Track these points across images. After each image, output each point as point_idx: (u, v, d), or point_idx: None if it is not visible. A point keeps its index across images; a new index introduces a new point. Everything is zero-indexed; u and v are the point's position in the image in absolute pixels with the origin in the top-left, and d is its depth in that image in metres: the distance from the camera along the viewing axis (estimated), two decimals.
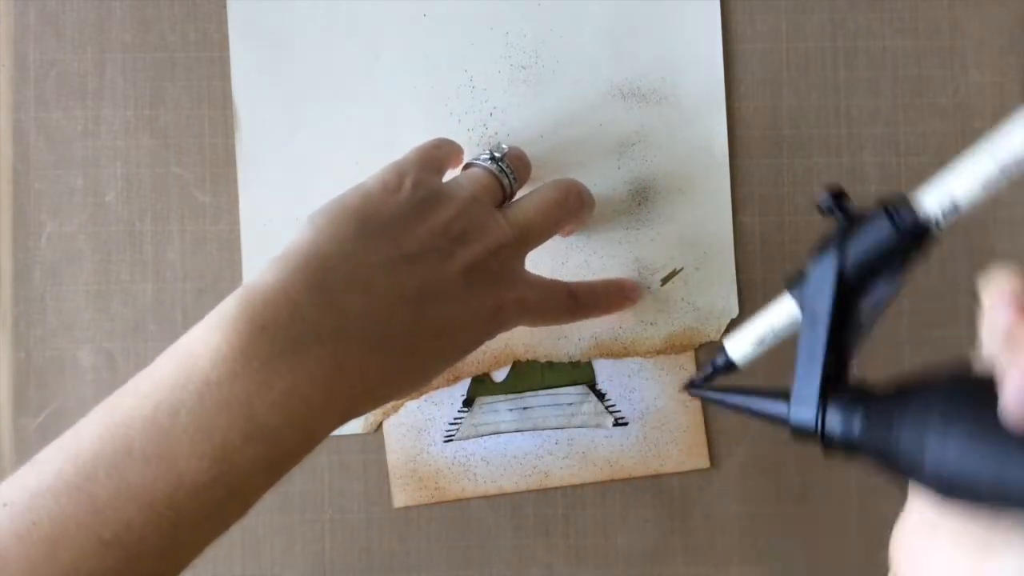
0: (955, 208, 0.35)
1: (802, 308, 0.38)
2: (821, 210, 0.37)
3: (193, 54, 0.54)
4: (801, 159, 0.55)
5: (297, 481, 0.53)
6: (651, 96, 0.54)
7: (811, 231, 0.55)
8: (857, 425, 0.34)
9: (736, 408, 0.40)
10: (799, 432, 0.36)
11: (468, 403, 0.54)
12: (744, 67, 0.55)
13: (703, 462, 0.54)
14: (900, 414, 0.32)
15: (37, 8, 0.54)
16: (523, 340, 0.54)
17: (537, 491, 0.54)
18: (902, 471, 0.32)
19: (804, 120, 0.55)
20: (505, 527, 0.54)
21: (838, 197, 0.37)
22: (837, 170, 0.55)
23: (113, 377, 0.53)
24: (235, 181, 0.54)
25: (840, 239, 0.37)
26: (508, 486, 0.54)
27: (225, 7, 0.54)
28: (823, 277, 0.37)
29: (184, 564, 0.38)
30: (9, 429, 0.53)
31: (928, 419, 0.31)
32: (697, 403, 0.54)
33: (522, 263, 0.46)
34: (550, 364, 0.54)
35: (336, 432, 0.53)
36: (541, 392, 0.54)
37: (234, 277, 0.54)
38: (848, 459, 0.35)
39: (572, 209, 0.49)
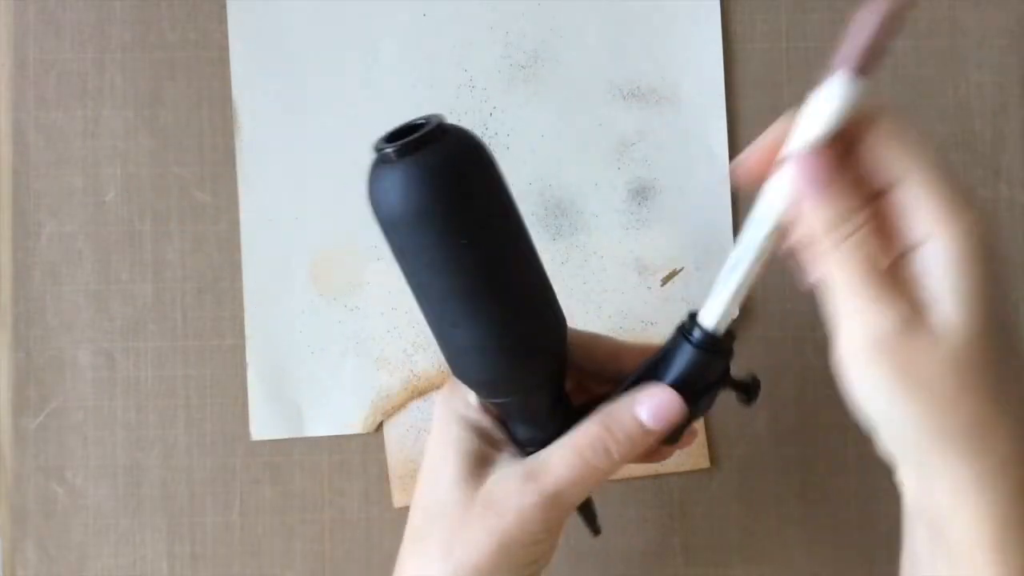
0: (727, 315, 0.38)
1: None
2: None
3: (193, 54, 0.54)
4: None
5: (297, 481, 0.53)
6: (651, 96, 0.54)
7: None
8: None
9: None
10: None
11: None
12: (744, 67, 0.55)
13: (703, 462, 0.54)
14: None
15: (37, 8, 0.54)
16: None
17: None
18: None
19: None
20: None
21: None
22: None
23: (113, 377, 0.53)
24: (235, 181, 0.54)
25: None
26: None
27: (225, 7, 0.54)
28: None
29: None
30: (9, 429, 0.53)
31: None
32: None
33: None
34: None
35: (336, 432, 0.53)
36: None
37: (234, 277, 0.54)
38: None
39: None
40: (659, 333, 0.54)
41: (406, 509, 0.53)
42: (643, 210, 0.54)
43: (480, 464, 0.39)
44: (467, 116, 0.54)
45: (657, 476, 0.54)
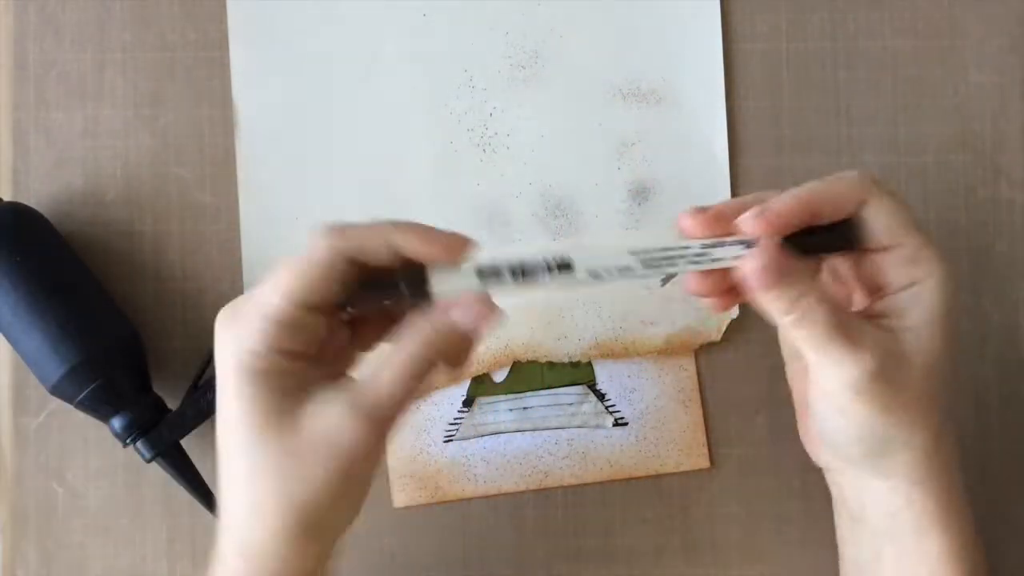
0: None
1: None
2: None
3: (193, 54, 0.54)
4: (801, 159, 0.55)
5: None
6: (651, 96, 0.54)
7: None
8: None
9: None
10: None
11: (468, 403, 0.54)
12: (744, 67, 0.55)
13: (703, 462, 0.54)
14: None
15: (37, 8, 0.54)
16: (523, 340, 0.54)
17: (537, 491, 0.54)
18: None
19: (804, 120, 0.55)
20: (505, 527, 0.54)
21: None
22: (837, 170, 0.55)
23: None
24: (235, 181, 0.54)
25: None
26: (508, 486, 0.54)
27: (225, 7, 0.54)
28: None
29: None
30: (9, 429, 0.53)
31: None
32: (697, 403, 0.54)
33: None
34: (550, 364, 0.54)
35: None
36: (541, 392, 0.54)
37: (234, 277, 0.54)
38: None
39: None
40: (659, 333, 0.54)
41: (406, 509, 0.54)
42: (643, 210, 0.54)
43: (281, 410, 0.38)
44: (467, 116, 0.54)
45: (657, 476, 0.54)
